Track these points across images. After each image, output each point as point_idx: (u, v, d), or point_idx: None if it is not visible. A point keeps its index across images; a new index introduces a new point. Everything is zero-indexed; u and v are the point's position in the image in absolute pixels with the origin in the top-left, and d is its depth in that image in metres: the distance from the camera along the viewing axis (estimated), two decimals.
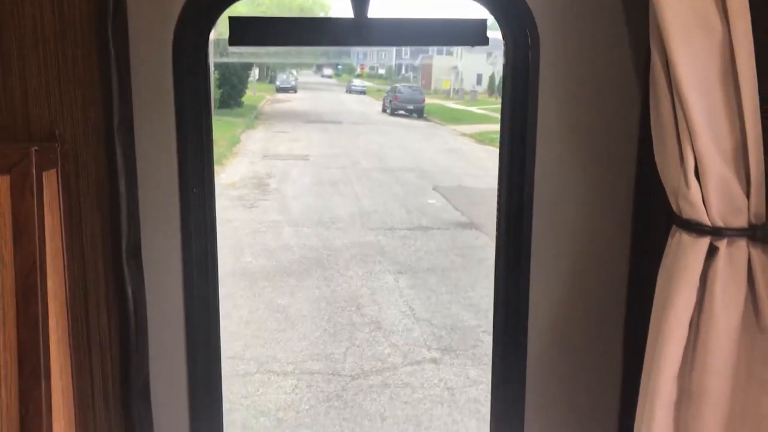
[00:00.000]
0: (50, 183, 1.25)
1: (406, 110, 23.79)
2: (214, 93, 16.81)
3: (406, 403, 5.69)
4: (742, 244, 1.28)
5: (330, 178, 13.13)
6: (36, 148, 1.18)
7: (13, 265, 1.15)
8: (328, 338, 6.73)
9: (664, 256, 1.33)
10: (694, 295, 1.28)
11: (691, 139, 1.24)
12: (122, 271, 1.34)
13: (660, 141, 1.33)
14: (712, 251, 1.28)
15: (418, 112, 23.78)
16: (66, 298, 1.30)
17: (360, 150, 16.24)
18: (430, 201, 11.63)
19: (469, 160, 15.76)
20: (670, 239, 1.33)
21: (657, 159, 1.34)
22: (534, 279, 1.55)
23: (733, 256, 1.27)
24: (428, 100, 25.20)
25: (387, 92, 26.19)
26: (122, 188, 1.36)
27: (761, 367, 1.30)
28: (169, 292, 1.47)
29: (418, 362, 6.38)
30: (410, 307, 7.55)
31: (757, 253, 1.28)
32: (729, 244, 1.28)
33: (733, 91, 1.23)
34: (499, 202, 1.60)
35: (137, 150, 1.40)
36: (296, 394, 5.69)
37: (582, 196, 1.56)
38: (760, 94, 1.22)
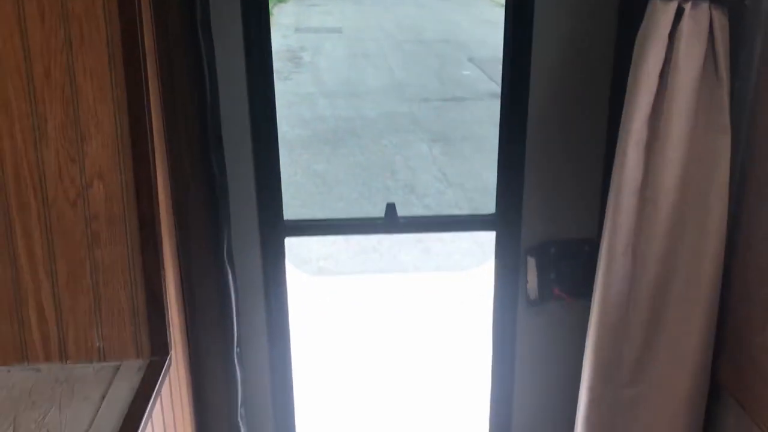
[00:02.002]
0: None
1: None
2: None
3: (437, 255, 6.10)
4: (704, 6, 1.49)
5: (364, 51, 13.07)
6: None
7: (119, 21, 1.44)
8: (364, 200, 7.07)
9: (642, 22, 1.57)
10: (663, 51, 1.52)
11: None
12: (198, 40, 1.62)
13: None
14: (680, 14, 1.51)
15: None
16: (156, 59, 1.59)
17: (394, 22, 16.02)
18: (465, 72, 11.60)
19: None
20: (647, 8, 1.56)
21: None
22: (535, 46, 1.81)
23: (696, 17, 1.49)
24: None
25: None
26: None
27: (717, 113, 1.54)
28: (233, 56, 1.78)
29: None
30: (443, 173, 7.76)
31: (717, 15, 1.49)
32: (693, 6, 1.48)
33: None
34: None
35: None
36: (334, 247, 6.09)
37: None
38: None
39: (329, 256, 5.96)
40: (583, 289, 1.90)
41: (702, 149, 1.58)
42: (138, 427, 1.39)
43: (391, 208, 1.91)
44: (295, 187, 7.16)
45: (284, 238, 1.93)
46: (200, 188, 1.72)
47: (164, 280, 1.59)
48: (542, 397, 2.07)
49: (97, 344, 1.60)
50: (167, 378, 1.61)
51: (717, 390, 1.74)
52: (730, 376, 1.70)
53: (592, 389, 1.79)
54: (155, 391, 1.50)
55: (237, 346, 1.83)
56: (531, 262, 1.94)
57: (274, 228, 1.91)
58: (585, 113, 1.86)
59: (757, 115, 1.58)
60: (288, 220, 1.94)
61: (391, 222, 1.92)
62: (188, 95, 1.65)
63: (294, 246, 6.27)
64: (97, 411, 1.45)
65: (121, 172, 1.51)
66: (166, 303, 1.59)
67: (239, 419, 1.89)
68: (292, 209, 6.69)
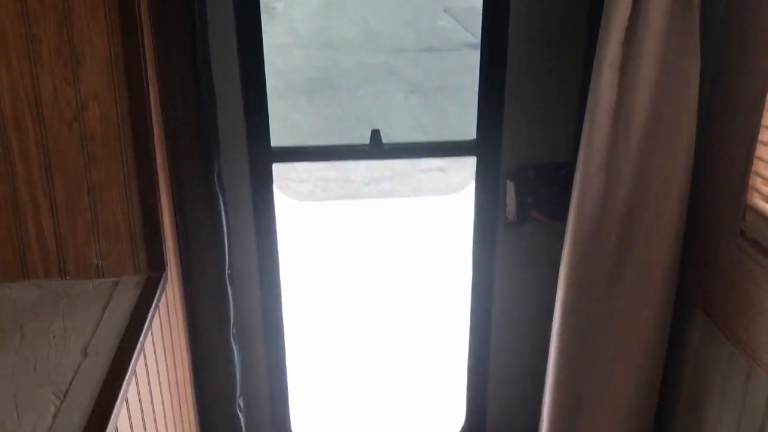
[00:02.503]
0: None
1: None
2: None
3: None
4: None
5: (338, 1, 12.91)
6: None
7: None
8: None
9: None
10: None
11: None
12: None
13: None
14: None
15: None
16: None
17: None
18: (441, 23, 11.52)
19: None
20: None
21: None
22: None
23: None
24: None
25: None
26: None
27: (688, 38, 1.60)
28: None
29: (427, 171, 6.80)
30: (419, 123, 7.80)
31: None
32: None
33: None
34: None
35: None
36: (310, 194, 6.16)
37: None
38: None
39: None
40: (560, 211, 1.99)
41: (673, 72, 1.66)
42: (140, 335, 1.46)
43: (375, 134, 1.98)
44: (272, 137, 7.15)
45: (272, 163, 1.99)
46: (190, 113, 1.76)
47: (159, 199, 1.64)
48: (519, 314, 2.19)
49: (96, 261, 1.66)
50: (164, 293, 1.68)
51: (684, 302, 1.86)
52: (697, 287, 1.82)
53: (566, 304, 1.89)
54: (154, 304, 1.57)
55: (228, 267, 1.91)
56: (510, 185, 2.02)
57: (262, 154, 1.97)
58: (563, 40, 1.92)
59: (726, 40, 1.67)
60: (275, 147, 2.00)
61: (376, 148, 1.99)
62: (178, 21, 1.68)
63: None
64: (100, 321, 1.52)
65: (116, 93, 1.55)
66: (162, 222, 1.65)
67: (231, 338, 1.97)
68: None
